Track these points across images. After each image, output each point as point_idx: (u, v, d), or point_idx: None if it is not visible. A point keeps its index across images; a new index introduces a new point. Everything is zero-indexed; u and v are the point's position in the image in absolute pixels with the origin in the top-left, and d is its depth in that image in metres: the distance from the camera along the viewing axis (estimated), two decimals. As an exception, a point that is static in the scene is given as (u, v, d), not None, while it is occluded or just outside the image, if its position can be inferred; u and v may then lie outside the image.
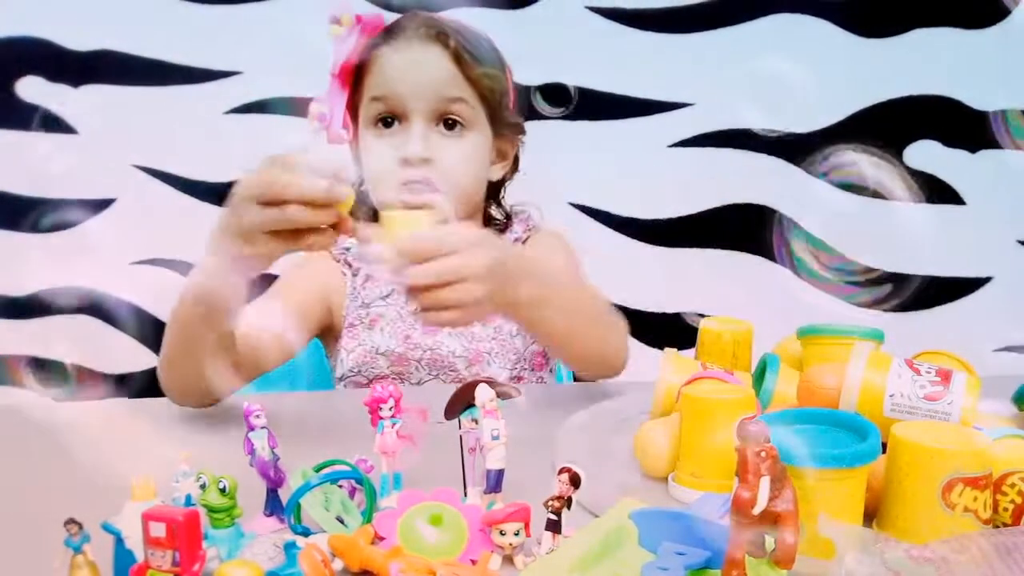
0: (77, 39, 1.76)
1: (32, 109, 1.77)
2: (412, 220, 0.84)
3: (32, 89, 1.77)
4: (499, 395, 0.68)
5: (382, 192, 1.07)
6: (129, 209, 1.82)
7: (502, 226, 1.19)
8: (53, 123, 1.77)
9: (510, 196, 1.21)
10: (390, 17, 1.09)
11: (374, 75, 1.06)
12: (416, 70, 1.04)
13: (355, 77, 1.07)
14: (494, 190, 1.18)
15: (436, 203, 0.97)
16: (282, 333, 1.03)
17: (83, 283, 1.83)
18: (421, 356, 1.10)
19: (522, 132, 1.16)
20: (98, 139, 1.79)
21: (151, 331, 1.86)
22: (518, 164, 1.18)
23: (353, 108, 1.08)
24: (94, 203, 1.82)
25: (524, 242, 1.18)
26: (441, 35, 1.05)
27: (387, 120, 1.06)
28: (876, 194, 1.94)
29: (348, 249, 1.15)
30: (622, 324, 1.04)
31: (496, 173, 1.16)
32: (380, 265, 0.80)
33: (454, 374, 1.11)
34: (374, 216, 1.13)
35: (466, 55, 1.05)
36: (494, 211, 1.20)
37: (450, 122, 1.06)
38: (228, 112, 1.81)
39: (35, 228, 1.81)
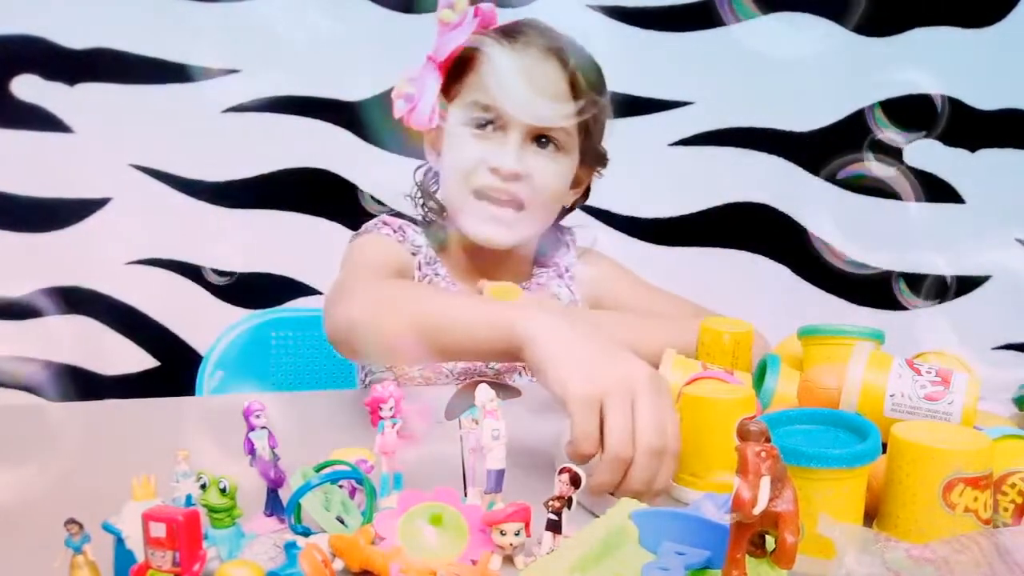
0: (73, 37, 1.73)
1: (27, 107, 1.75)
2: (509, 292, 0.88)
3: (28, 87, 1.75)
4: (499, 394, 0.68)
5: (458, 190, 1.06)
6: (125, 209, 1.80)
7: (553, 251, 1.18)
8: (49, 122, 1.76)
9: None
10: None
11: (483, 74, 1.03)
12: (529, 83, 1.01)
13: (456, 64, 1.04)
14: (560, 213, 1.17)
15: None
16: None
17: (79, 283, 1.81)
18: (455, 365, 1.07)
19: (605, 164, 1.14)
20: (94, 138, 1.77)
21: (147, 333, 1.85)
22: (588, 193, 1.17)
23: (445, 95, 1.06)
24: (90, 202, 1.79)
25: (574, 265, 1.18)
26: (562, 52, 1.03)
27: (482, 122, 1.04)
28: (876, 193, 1.95)
29: (420, 246, 1.12)
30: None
31: (570, 199, 1.14)
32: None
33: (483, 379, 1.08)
34: (440, 209, 1.13)
35: (581, 80, 1.03)
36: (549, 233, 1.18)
37: (544, 140, 1.05)
38: (225, 111, 1.79)
39: (30, 228, 1.79)
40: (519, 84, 1.01)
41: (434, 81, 1.03)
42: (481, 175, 1.03)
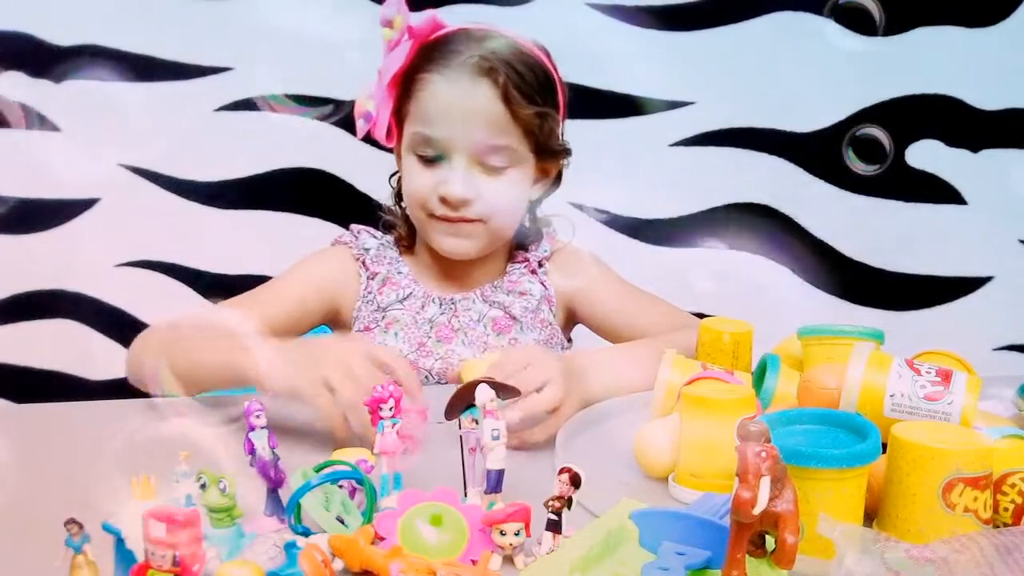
0: (60, 33, 1.70)
1: (13, 106, 1.71)
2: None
3: (13, 85, 1.71)
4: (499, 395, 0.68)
5: (416, 212, 1.09)
6: (114, 210, 1.76)
7: (529, 242, 1.17)
8: (35, 120, 1.72)
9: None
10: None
11: (420, 101, 1.03)
12: (464, 110, 1.01)
13: (402, 85, 1.05)
14: (530, 206, 1.16)
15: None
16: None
17: (65, 287, 1.78)
18: (432, 365, 1.09)
19: (568, 155, 1.13)
20: (82, 137, 1.73)
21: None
22: (560, 180, 1.16)
23: (398, 114, 1.06)
24: (78, 203, 1.76)
25: (549, 259, 1.17)
26: (492, 70, 1.01)
27: (428, 155, 1.04)
28: (877, 193, 1.95)
29: (368, 250, 1.14)
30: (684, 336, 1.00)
31: (536, 192, 1.14)
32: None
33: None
34: (410, 229, 1.15)
35: (516, 94, 1.02)
36: (527, 223, 1.17)
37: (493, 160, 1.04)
38: (218, 110, 1.76)
39: (15, 229, 1.75)
40: (452, 110, 1.01)
41: (386, 100, 1.04)
42: (433, 203, 1.05)
